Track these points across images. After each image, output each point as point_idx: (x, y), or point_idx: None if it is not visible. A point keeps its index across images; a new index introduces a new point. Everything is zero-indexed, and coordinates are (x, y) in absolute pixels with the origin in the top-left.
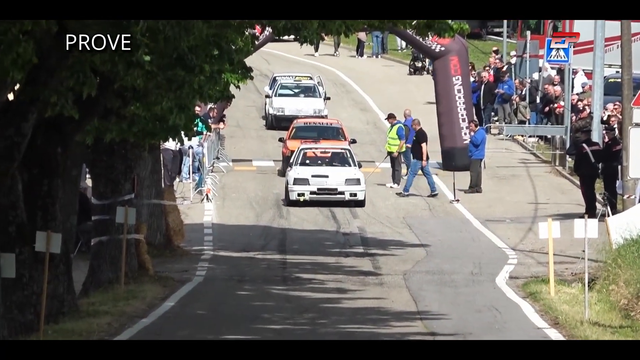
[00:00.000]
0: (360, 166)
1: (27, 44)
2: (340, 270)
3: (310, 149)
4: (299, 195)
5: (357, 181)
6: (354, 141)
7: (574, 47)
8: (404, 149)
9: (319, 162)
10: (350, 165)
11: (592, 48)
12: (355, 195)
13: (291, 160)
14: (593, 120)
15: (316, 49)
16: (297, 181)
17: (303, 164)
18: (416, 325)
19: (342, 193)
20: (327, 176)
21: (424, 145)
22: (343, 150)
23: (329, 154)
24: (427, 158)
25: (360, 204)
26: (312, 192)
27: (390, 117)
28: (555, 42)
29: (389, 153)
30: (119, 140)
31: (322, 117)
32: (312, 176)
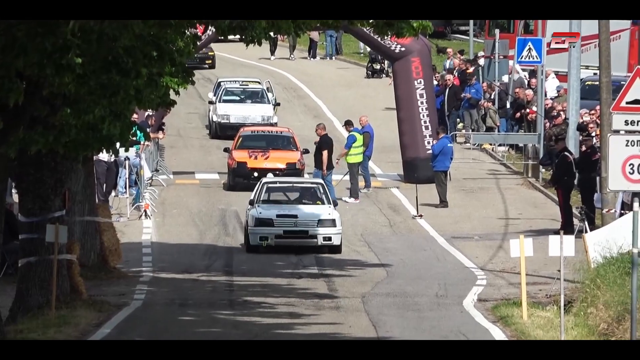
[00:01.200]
0: (336, 204)
1: None
2: (293, 293)
3: (275, 182)
4: (261, 239)
5: (332, 222)
6: (306, 151)
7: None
8: (359, 159)
9: (286, 198)
10: (323, 203)
11: (566, 48)
12: (329, 239)
13: (252, 197)
14: (569, 127)
15: (272, 52)
16: (259, 222)
17: (266, 201)
18: None
19: (314, 237)
20: (295, 216)
21: (325, 152)
22: (315, 185)
23: (298, 189)
24: (331, 167)
25: (336, 249)
26: (277, 236)
27: (348, 124)
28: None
29: (350, 165)
30: (47, 151)
31: (271, 125)
32: (278, 216)
